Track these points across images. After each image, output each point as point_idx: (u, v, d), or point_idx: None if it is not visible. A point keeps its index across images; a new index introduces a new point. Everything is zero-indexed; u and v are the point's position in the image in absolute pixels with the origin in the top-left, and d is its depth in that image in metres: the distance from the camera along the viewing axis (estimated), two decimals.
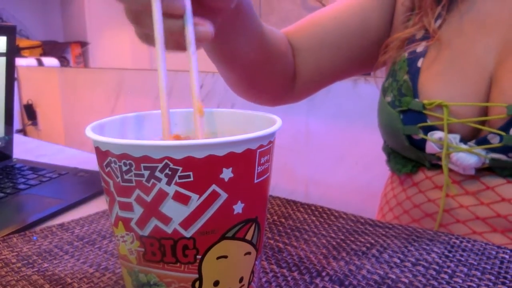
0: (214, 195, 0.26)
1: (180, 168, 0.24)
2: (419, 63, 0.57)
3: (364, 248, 0.42)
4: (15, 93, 0.77)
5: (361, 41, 0.64)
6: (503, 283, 0.36)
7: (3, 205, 0.54)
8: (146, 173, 0.25)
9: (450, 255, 0.41)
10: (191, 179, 0.25)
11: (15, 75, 0.87)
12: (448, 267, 0.38)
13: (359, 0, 0.65)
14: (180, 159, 0.24)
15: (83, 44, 3.95)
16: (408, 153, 0.59)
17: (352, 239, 0.44)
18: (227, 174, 0.26)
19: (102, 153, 0.27)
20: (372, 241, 0.44)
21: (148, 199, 0.25)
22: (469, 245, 0.42)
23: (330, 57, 0.64)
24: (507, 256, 0.40)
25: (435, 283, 0.36)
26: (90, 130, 0.29)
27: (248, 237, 0.28)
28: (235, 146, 0.26)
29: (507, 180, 0.52)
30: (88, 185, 0.61)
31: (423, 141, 0.55)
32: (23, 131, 2.95)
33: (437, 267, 0.38)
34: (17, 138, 0.83)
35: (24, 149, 0.85)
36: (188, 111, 0.36)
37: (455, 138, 0.53)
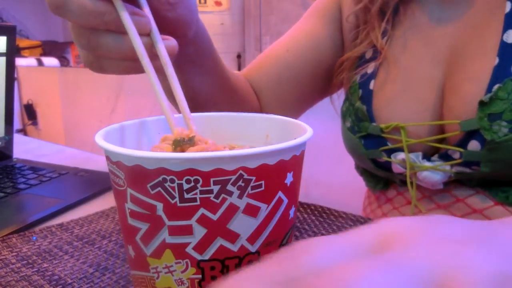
0: (279, 202, 0.25)
1: (254, 178, 0.23)
2: (371, 86, 0.57)
3: None
4: (15, 93, 0.77)
5: (317, 69, 0.63)
6: None
7: (3, 205, 0.54)
8: (216, 188, 0.23)
9: None
10: (263, 188, 0.24)
11: (15, 75, 0.87)
12: None
13: (307, 29, 0.64)
14: (254, 168, 0.23)
15: None
16: (378, 173, 0.60)
17: None
18: (289, 178, 0.25)
19: (147, 172, 0.23)
20: None
21: (215, 217, 0.23)
22: None
23: (291, 91, 0.64)
24: None
25: None
26: (122, 149, 0.24)
27: (292, 241, 0.28)
28: (297, 149, 0.26)
29: (476, 190, 0.52)
30: (88, 185, 0.61)
31: (388, 162, 0.55)
32: (23, 131, 2.95)
33: None
34: (17, 138, 0.83)
35: (24, 149, 0.85)
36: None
37: (417, 156, 0.52)
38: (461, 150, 0.49)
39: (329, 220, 0.49)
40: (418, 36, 0.56)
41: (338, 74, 0.62)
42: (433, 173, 0.51)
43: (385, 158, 0.55)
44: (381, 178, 0.61)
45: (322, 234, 0.45)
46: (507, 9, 0.48)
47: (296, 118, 0.67)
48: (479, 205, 0.51)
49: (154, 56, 0.33)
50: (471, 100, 0.48)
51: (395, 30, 0.58)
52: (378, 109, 0.56)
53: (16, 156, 0.76)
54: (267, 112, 0.63)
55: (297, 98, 0.64)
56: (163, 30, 0.35)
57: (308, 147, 0.29)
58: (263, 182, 0.24)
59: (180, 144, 0.29)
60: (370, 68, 0.58)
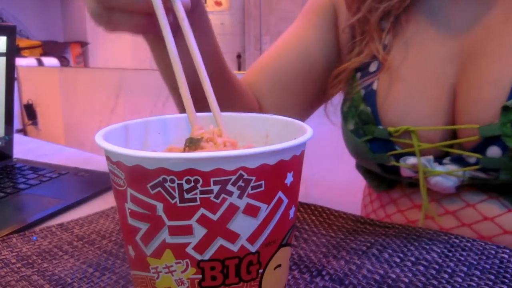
0: (279, 202, 0.25)
1: (254, 178, 0.23)
2: (374, 86, 0.54)
3: (364, 247, 0.42)
4: (15, 93, 0.77)
5: (310, 74, 0.61)
6: (503, 282, 0.36)
7: (3, 205, 0.54)
8: (216, 188, 0.23)
9: (450, 254, 0.41)
10: (263, 188, 0.24)
11: (15, 75, 0.87)
12: (448, 266, 0.38)
13: (297, 33, 0.62)
14: (254, 168, 0.23)
15: (83, 44, 3.95)
16: (385, 175, 0.57)
17: (352, 238, 0.44)
18: (289, 178, 0.25)
19: (147, 172, 0.23)
20: (372, 240, 0.44)
21: (215, 217, 0.23)
22: (469, 244, 0.42)
23: (286, 97, 0.61)
24: (506, 256, 0.40)
25: (435, 282, 0.36)
26: (124, 149, 0.24)
27: (292, 241, 0.28)
28: (297, 149, 0.26)
29: (489, 195, 0.49)
30: (88, 185, 0.61)
31: (397, 167, 0.52)
32: (23, 131, 2.95)
33: (437, 267, 0.38)
34: (17, 138, 0.83)
35: (24, 149, 0.85)
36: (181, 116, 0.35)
37: (428, 161, 0.50)
38: (479, 156, 0.47)
39: (329, 220, 0.49)
40: (425, 34, 0.53)
41: (334, 86, 0.60)
42: (446, 178, 0.49)
43: (393, 162, 0.52)
44: (386, 178, 0.58)
45: (322, 234, 0.45)
46: None
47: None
48: (491, 212, 0.49)
49: (167, 10, 0.32)
50: (491, 105, 0.45)
51: (396, 38, 0.55)
52: (384, 111, 0.53)
53: (16, 156, 0.76)
54: None
55: (293, 105, 0.62)
56: None
57: (308, 147, 0.29)
58: (263, 182, 0.24)
59: (191, 144, 0.30)
60: (372, 67, 0.55)
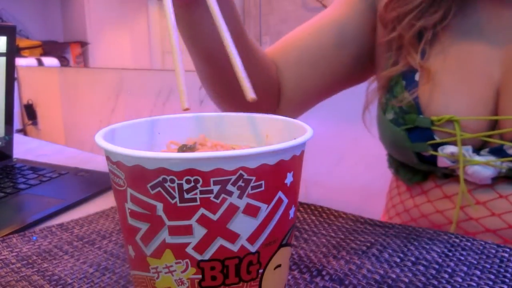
0: (279, 202, 0.25)
1: (254, 178, 0.23)
2: (416, 77, 0.55)
3: (364, 247, 0.42)
4: (15, 93, 0.77)
5: (338, 55, 0.62)
6: (503, 282, 0.36)
7: (3, 205, 0.54)
8: (216, 188, 0.23)
9: (450, 254, 0.41)
10: (263, 188, 0.24)
11: (15, 75, 0.87)
12: (448, 266, 0.38)
13: (334, 14, 0.63)
14: (254, 168, 0.23)
15: (83, 44, 3.95)
16: (418, 166, 0.57)
17: (352, 238, 0.44)
18: (289, 178, 0.25)
19: (147, 172, 0.23)
20: (372, 240, 0.44)
21: (215, 217, 0.23)
22: (469, 244, 0.42)
23: (310, 74, 0.62)
24: (506, 255, 0.40)
25: (435, 282, 0.36)
26: (115, 146, 0.24)
27: (292, 241, 0.28)
28: (297, 149, 0.26)
29: None
30: (88, 185, 0.61)
31: (434, 156, 0.53)
32: (23, 131, 2.95)
33: (437, 266, 0.38)
34: (17, 138, 0.83)
35: (24, 149, 0.85)
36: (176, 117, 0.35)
37: (467, 150, 0.51)
38: None
39: (329, 220, 0.49)
40: (467, 41, 0.54)
41: (370, 93, 0.62)
42: (484, 168, 0.50)
43: (431, 152, 0.53)
44: (420, 170, 0.59)
45: (322, 234, 0.45)
46: None
47: (312, 106, 0.66)
48: None
49: None
50: None
51: (434, 47, 0.55)
52: (427, 101, 0.53)
53: (16, 156, 0.76)
54: (285, 95, 0.62)
55: (315, 83, 0.63)
56: None
57: (308, 147, 0.29)
58: (263, 182, 0.24)
59: (183, 150, 0.30)
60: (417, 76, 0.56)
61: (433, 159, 0.54)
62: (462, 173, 0.51)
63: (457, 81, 0.53)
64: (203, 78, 0.58)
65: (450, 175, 0.54)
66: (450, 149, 0.51)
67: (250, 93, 0.30)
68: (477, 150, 0.51)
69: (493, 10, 0.53)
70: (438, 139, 0.52)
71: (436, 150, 0.53)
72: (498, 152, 0.50)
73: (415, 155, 0.55)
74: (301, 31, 0.63)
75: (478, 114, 0.51)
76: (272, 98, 0.62)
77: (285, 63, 0.62)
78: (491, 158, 0.50)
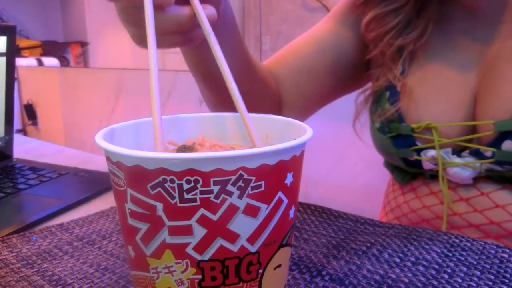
0: (279, 202, 0.25)
1: (254, 178, 0.23)
2: (398, 88, 0.58)
3: (364, 248, 0.42)
4: (15, 93, 0.77)
5: (337, 65, 0.64)
6: (503, 282, 0.36)
7: (3, 205, 0.54)
8: (216, 188, 0.23)
9: (450, 254, 0.41)
10: (263, 188, 0.24)
11: (15, 75, 0.87)
12: (448, 266, 0.38)
13: (329, 26, 0.65)
14: (254, 168, 0.23)
15: (83, 44, 3.95)
16: (408, 169, 0.61)
17: (352, 238, 0.44)
18: (289, 179, 0.25)
19: (147, 172, 0.23)
20: (372, 240, 0.44)
21: (215, 217, 0.23)
22: (469, 244, 0.42)
23: (311, 83, 0.64)
24: (506, 255, 0.40)
25: (435, 283, 0.36)
26: (116, 147, 0.24)
27: (292, 241, 0.28)
28: (297, 149, 0.26)
29: (503, 185, 0.52)
30: (88, 185, 0.61)
31: (419, 160, 0.56)
32: (23, 131, 2.95)
33: (437, 267, 0.38)
34: (17, 138, 0.83)
35: (24, 149, 0.85)
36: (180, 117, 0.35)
37: (447, 153, 0.54)
38: (494, 149, 0.50)
39: (329, 220, 0.49)
40: (444, 50, 0.57)
41: (359, 103, 0.65)
42: (463, 169, 0.52)
43: (415, 156, 0.56)
44: (410, 171, 0.62)
45: (322, 234, 0.45)
46: None
47: (314, 112, 0.68)
48: (503, 200, 0.52)
49: (196, 26, 0.35)
50: (506, 101, 0.49)
51: (411, 66, 0.58)
52: (407, 110, 0.57)
53: (16, 156, 0.76)
54: (286, 105, 0.64)
55: (316, 92, 0.65)
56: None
57: (308, 147, 0.29)
58: (263, 182, 0.24)
59: (182, 151, 0.30)
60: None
61: (418, 163, 0.57)
62: (441, 175, 0.54)
63: (434, 91, 0.56)
64: (210, 104, 0.59)
65: (436, 175, 0.57)
66: (431, 153, 0.55)
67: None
68: (458, 152, 0.54)
69: (468, 25, 0.56)
70: (420, 145, 0.56)
71: (419, 155, 0.56)
72: (477, 154, 0.52)
73: (402, 160, 0.59)
74: (301, 42, 0.65)
75: (455, 119, 0.54)
76: (274, 110, 0.64)
77: (286, 73, 0.63)
78: (471, 160, 0.52)
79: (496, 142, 0.50)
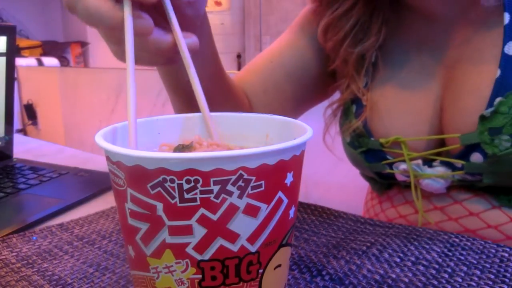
0: (279, 202, 0.25)
1: (254, 178, 0.23)
2: (363, 101, 0.57)
3: (364, 247, 0.42)
4: (15, 93, 0.77)
5: (302, 78, 0.63)
6: (503, 282, 0.36)
7: (3, 205, 0.54)
8: (216, 188, 0.23)
9: (450, 254, 0.41)
10: (263, 188, 0.24)
11: (15, 75, 0.87)
12: (448, 266, 0.38)
13: (291, 39, 0.64)
14: (254, 168, 0.23)
15: (83, 44, 3.95)
16: (382, 181, 0.61)
17: (352, 238, 0.44)
18: (289, 178, 0.25)
19: (147, 172, 0.23)
20: (372, 240, 0.44)
21: (215, 217, 0.23)
22: (469, 243, 0.42)
23: (277, 100, 0.63)
24: (506, 255, 0.40)
25: (435, 282, 0.36)
26: (116, 147, 0.24)
27: (292, 241, 0.28)
28: (297, 149, 0.26)
29: (476, 194, 0.52)
30: (88, 185, 0.61)
31: (392, 173, 0.56)
32: (23, 131, 2.95)
33: (437, 266, 0.38)
34: (17, 138, 0.83)
35: (24, 149, 0.85)
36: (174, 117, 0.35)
37: (418, 165, 0.53)
38: (463, 162, 0.50)
39: (329, 220, 0.49)
40: (405, 58, 0.56)
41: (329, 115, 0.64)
42: (435, 181, 0.52)
43: (387, 170, 0.56)
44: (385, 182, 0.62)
45: (322, 234, 0.45)
46: (506, 21, 0.48)
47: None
48: (476, 208, 0.52)
49: (177, 53, 0.35)
50: (471, 114, 0.48)
51: (374, 78, 0.58)
52: (374, 124, 0.56)
53: (16, 156, 0.76)
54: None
55: (286, 107, 0.64)
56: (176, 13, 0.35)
57: (308, 147, 0.29)
58: (263, 182, 0.24)
59: (180, 150, 0.30)
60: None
61: (391, 175, 0.57)
62: (414, 187, 0.54)
63: (398, 103, 0.55)
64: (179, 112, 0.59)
65: (410, 186, 0.57)
66: (402, 166, 0.54)
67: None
68: (429, 162, 0.53)
69: (428, 30, 0.55)
70: (391, 159, 0.55)
71: (392, 168, 0.56)
72: (448, 164, 0.52)
73: (374, 173, 0.59)
74: (263, 58, 0.64)
75: (422, 132, 0.54)
76: None
77: (253, 91, 0.63)
78: (443, 170, 0.52)
79: (465, 154, 0.49)
